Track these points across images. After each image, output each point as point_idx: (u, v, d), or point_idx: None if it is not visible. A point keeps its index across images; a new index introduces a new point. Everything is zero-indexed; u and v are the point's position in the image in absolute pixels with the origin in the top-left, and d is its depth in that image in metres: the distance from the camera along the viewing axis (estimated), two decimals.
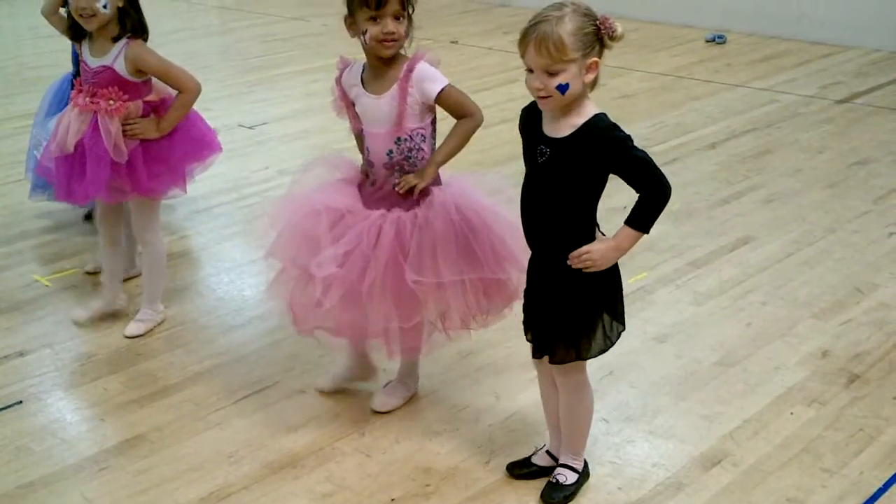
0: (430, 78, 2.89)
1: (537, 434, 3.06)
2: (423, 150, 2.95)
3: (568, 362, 2.64)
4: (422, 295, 2.86)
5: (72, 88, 3.68)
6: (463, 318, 2.95)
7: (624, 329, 2.67)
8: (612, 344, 2.64)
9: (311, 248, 2.90)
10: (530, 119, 2.58)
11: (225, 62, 8.52)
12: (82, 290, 4.16)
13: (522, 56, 2.45)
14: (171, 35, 9.11)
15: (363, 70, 2.97)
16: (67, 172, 3.57)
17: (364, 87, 2.95)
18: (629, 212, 2.48)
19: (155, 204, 3.72)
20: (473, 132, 2.96)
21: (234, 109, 6.84)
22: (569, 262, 2.51)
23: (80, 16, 3.43)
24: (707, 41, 8.57)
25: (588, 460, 2.88)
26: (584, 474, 2.84)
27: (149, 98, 3.57)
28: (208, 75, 7.75)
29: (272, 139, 6.18)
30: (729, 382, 3.37)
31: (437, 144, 2.99)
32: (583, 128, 2.45)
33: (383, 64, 2.91)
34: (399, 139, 2.91)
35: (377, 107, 2.92)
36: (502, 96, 6.57)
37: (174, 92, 3.57)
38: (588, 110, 2.48)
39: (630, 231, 2.48)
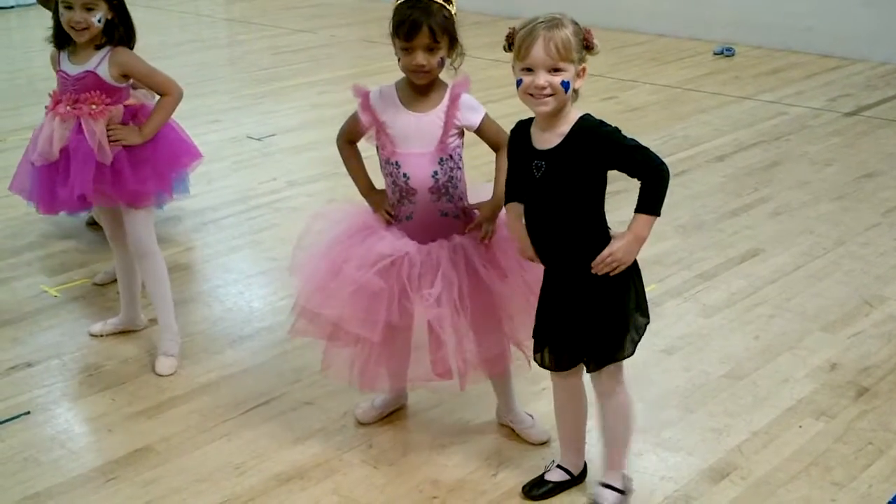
0: (474, 107, 2.89)
1: (545, 446, 3.05)
2: (460, 168, 2.91)
3: (608, 364, 2.63)
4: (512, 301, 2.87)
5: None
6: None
7: (649, 321, 2.67)
8: (641, 338, 2.64)
9: (379, 304, 2.82)
10: (520, 135, 2.62)
11: (233, 74, 8.54)
12: (91, 300, 4.17)
13: (523, 57, 2.47)
14: (180, 47, 9.14)
15: (397, 90, 2.90)
16: (51, 180, 3.53)
17: (404, 104, 2.87)
18: (637, 199, 2.49)
19: (147, 213, 3.63)
20: None
21: (243, 121, 6.86)
22: (593, 271, 2.51)
23: (73, 28, 3.42)
24: (715, 54, 8.57)
25: (595, 473, 2.87)
26: (626, 492, 2.79)
27: (128, 102, 3.57)
28: (217, 87, 7.81)
29: (280, 151, 6.19)
30: (737, 395, 3.36)
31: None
32: (571, 132, 2.51)
33: (424, 86, 2.86)
34: (442, 159, 2.85)
35: (420, 125, 2.84)
36: (510, 108, 6.53)
37: (152, 101, 3.58)
38: (572, 116, 2.54)
39: (644, 217, 2.49)
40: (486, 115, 2.91)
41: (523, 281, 2.87)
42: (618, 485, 2.78)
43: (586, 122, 2.52)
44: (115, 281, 3.97)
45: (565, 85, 2.46)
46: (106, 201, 3.58)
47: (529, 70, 2.47)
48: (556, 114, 2.51)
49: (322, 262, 2.90)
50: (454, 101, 2.85)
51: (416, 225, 2.91)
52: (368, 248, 2.86)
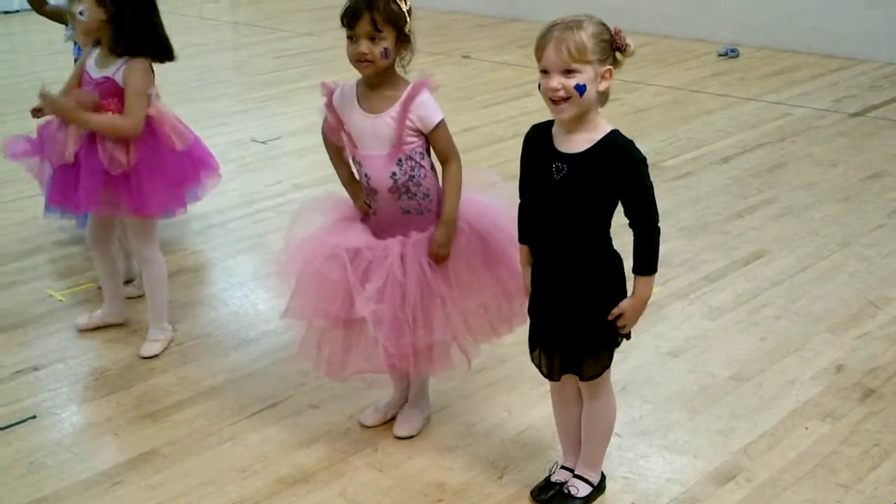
0: (431, 108, 2.86)
1: (550, 449, 3.05)
2: (423, 166, 2.90)
3: (599, 375, 2.67)
4: (455, 311, 2.89)
5: None
6: (489, 326, 2.99)
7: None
8: (618, 346, 2.69)
9: (333, 295, 2.87)
10: (538, 138, 2.60)
11: (238, 77, 8.56)
12: (96, 304, 4.16)
13: (539, 59, 2.46)
14: (185, 50, 9.06)
15: (357, 87, 2.92)
16: (63, 180, 3.55)
17: (360, 104, 2.89)
18: (633, 259, 2.54)
19: (151, 221, 3.68)
20: (461, 176, 2.92)
21: (248, 124, 6.86)
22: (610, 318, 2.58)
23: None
24: (720, 55, 8.56)
25: (604, 474, 2.88)
26: (598, 488, 2.84)
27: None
28: (222, 90, 7.83)
29: (285, 154, 6.20)
30: (743, 397, 3.36)
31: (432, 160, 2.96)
32: (601, 142, 2.49)
33: (377, 82, 2.86)
34: (400, 160, 2.86)
35: (374, 127, 2.86)
36: (515, 110, 6.57)
37: (167, 111, 3.60)
38: (603, 125, 2.52)
39: (644, 279, 2.56)
40: (443, 121, 2.88)
41: (477, 280, 2.92)
42: (591, 479, 2.83)
43: (619, 138, 2.50)
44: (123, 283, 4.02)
45: (579, 88, 2.41)
46: (112, 210, 3.58)
47: (546, 72, 2.45)
48: (581, 118, 2.48)
49: (301, 251, 2.96)
50: (409, 101, 2.83)
51: (380, 220, 2.96)
52: (327, 238, 2.93)
